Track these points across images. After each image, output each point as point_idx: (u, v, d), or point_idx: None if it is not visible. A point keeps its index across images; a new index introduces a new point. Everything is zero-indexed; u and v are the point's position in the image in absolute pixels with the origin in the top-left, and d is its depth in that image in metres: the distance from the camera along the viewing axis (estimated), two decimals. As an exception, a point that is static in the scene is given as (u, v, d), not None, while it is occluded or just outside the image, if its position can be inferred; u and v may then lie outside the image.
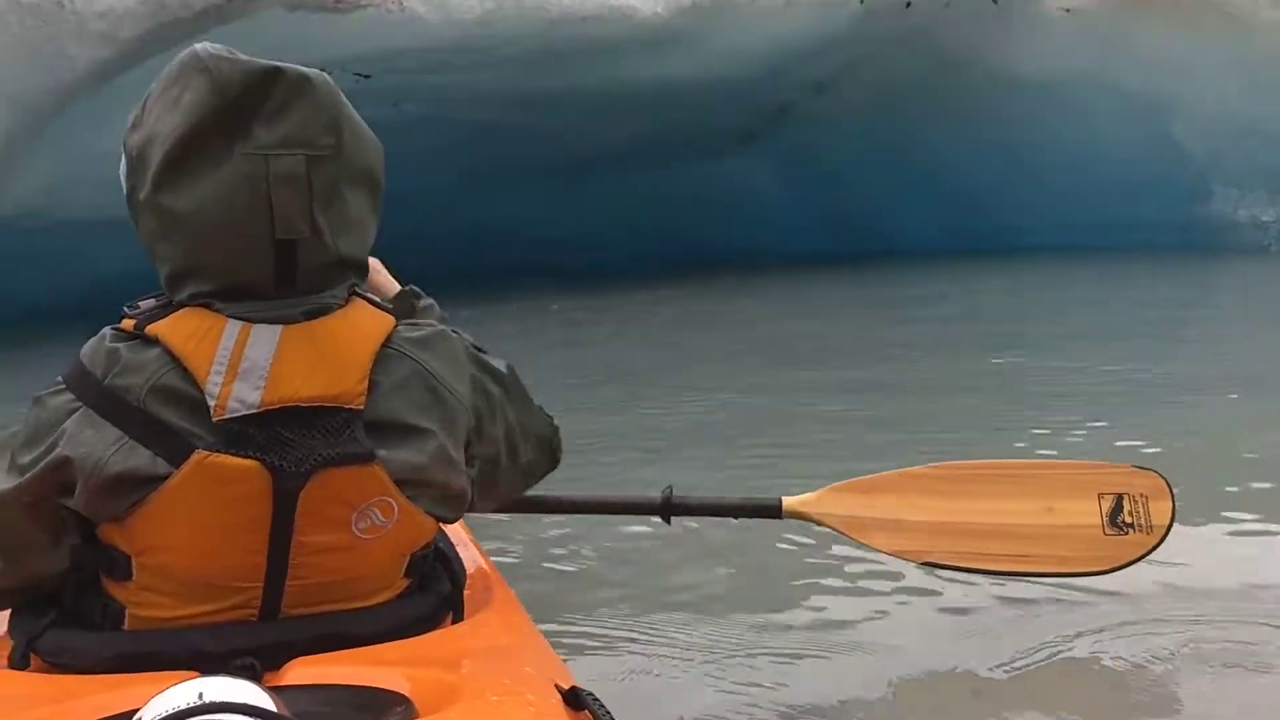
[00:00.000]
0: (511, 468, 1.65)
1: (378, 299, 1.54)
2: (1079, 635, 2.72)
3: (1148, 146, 13.38)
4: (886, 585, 3.13)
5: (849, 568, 3.26)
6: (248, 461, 1.35)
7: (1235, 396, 5.86)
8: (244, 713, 1.05)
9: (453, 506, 1.53)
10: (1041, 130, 13.87)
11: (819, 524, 2.31)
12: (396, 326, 1.47)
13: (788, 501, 2.28)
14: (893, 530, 2.23)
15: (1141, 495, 2.24)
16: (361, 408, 1.40)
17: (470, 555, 1.88)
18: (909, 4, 13.00)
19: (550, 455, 1.77)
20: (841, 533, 2.32)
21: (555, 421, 1.77)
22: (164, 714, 1.06)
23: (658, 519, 2.38)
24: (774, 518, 2.30)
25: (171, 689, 1.09)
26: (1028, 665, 2.59)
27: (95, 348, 1.41)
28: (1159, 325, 8.78)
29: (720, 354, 8.36)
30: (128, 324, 1.41)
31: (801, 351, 8.23)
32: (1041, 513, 2.21)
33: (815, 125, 15.23)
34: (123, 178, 1.46)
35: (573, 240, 16.71)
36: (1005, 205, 14.84)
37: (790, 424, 5.67)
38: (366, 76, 11.42)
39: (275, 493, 1.35)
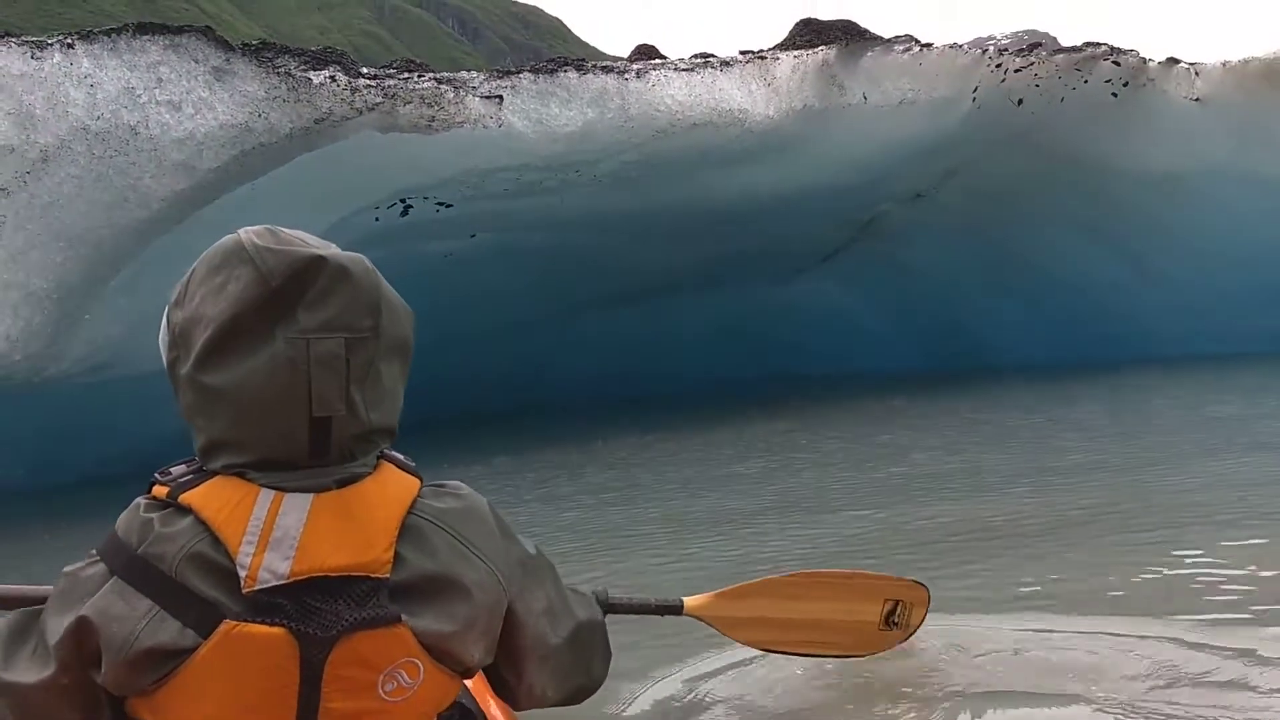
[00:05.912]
0: (559, 642, 1.68)
1: (401, 458, 1.55)
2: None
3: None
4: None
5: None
6: (275, 630, 1.36)
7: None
8: None
9: (469, 669, 1.55)
10: (1166, 229, 12.76)
11: (704, 622, 2.82)
12: (421, 489, 1.52)
13: (688, 602, 2.76)
14: (752, 627, 2.84)
15: (910, 603, 3.00)
16: (387, 575, 1.43)
17: (490, 707, 1.85)
18: (1020, 101, 12.08)
19: (585, 648, 1.77)
20: (718, 630, 2.85)
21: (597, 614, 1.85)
22: None
23: None
24: (678, 615, 2.74)
25: None
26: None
27: (130, 518, 1.44)
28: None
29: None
30: (160, 491, 1.44)
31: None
32: (843, 612, 2.92)
33: (909, 235, 14.21)
34: (163, 347, 1.53)
35: (646, 369, 15.65)
36: (1127, 312, 13.70)
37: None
38: (448, 206, 10.45)
39: (301, 660, 1.38)
